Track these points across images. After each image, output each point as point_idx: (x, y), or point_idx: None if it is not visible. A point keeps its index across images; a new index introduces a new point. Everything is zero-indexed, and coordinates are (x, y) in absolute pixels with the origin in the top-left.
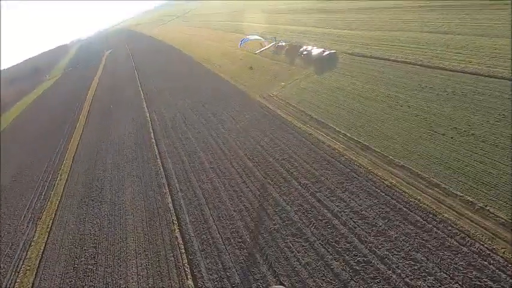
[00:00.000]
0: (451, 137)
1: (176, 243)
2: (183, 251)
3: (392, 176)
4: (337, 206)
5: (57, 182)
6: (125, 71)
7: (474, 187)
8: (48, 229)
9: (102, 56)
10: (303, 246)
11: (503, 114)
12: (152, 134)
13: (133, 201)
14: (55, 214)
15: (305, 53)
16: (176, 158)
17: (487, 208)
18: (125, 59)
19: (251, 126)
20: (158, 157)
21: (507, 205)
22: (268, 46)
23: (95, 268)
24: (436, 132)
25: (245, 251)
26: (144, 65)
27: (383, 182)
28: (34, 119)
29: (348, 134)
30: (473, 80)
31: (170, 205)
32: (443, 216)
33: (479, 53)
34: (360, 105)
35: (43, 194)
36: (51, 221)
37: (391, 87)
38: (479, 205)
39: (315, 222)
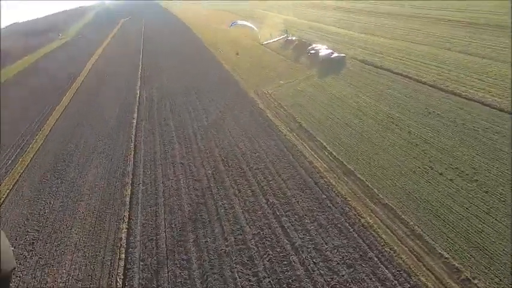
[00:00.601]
0: (450, 179)
1: (119, 245)
2: (123, 257)
3: (371, 214)
4: (300, 238)
5: (29, 147)
6: (132, 42)
7: (464, 249)
8: (0, 201)
9: (117, 24)
10: (249, 281)
11: None
12: (136, 114)
13: (92, 186)
14: (14, 184)
15: (312, 51)
16: (150, 145)
17: (475, 282)
18: (137, 30)
19: (235, 124)
20: (133, 141)
21: (501, 283)
22: (278, 38)
23: (29, 256)
24: (433, 169)
25: (185, 272)
26: (153, 40)
27: (359, 219)
28: (32, 77)
29: (334, 153)
30: (490, 114)
31: (127, 199)
32: (418, 279)
33: (503, 83)
34: (356, 121)
35: (12, 158)
36: (7, 191)
37: (395, 106)
38: (466, 275)
39: (270, 253)
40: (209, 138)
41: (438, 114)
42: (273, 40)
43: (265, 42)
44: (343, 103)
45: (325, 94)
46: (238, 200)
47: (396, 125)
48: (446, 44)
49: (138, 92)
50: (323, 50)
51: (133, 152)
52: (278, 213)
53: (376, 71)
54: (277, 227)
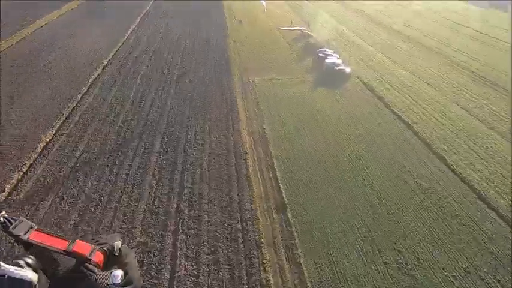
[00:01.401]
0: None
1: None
2: None
3: None
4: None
5: None
6: None
7: None
8: None
9: None
10: None
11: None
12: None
13: None
14: None
15: (320, 55)
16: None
17: None
18: None
19: (194, 109)
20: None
21: None
22: (295, 28)
23: None
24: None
25: None
26: None
27: None
28: None
29: (279, 176)
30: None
31: None
32: None
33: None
34: (318, 157)
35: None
36: None
37: (375, 162)
38: None
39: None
40: (153, 116)
41: (437, 204)
42: (291, 28)
43: (282, 28)
44: (320, 126)
45: (307, 108)
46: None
47: (359, 174)
48: (459, 97)
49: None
50: (330, 58)
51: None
52: None
53: (374, 102)
54: None
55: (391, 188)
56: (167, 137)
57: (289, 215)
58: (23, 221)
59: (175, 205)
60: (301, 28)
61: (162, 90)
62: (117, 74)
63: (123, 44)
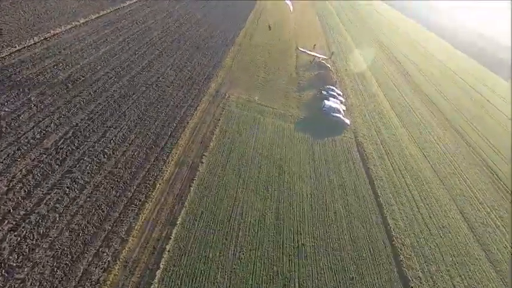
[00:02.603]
0: None
1: None
2: None
3: None
4: None
5: None
6: None
7: None
8: None
9: None
10: None
11: None
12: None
13: None
14: None
15: (324, 92)
16: None
17: None
18: None
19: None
20: None
21: None
22: (315, 54)
23: None
24: None
25: None
26: None
27: None
28: None
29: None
30: None
31: None
32: None
33: None
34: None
35: None
36: None
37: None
38: None
39: None
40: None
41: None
42: (311, 53)
43: (302, 49)
44: (278, 167)
45: (271, 158)
46: None
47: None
48: (464, 203)
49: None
50: (333, 100)
51: None
52: None
53: (358, 174)
54: None
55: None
56: None
57: None
58: None
59: None
60: (320, 56)
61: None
62: None
63: None
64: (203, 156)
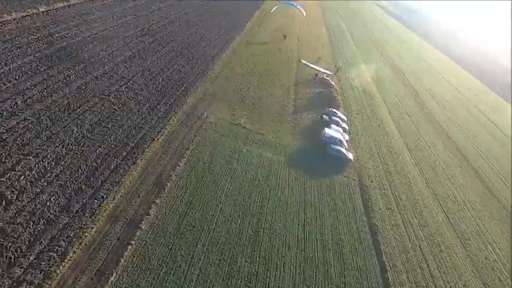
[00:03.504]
0: None
1: None
2: None
3: None
4: None
5: None
6: None
7: None
8: None
9: None
10: None
11: None
12: None
13: None
14: None
15: (325, 117)
16: None
17: None
18: None
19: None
20: None
21: None
22: (319, 69)
23: None
24: None
25: None
26: None
27: None
28: None
29: None
30: None
31: None
32: None
33: None
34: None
35: None
36: None
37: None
38: None
39: None
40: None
41: None
42: (313, 66)
43: (304, 62)
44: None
45: (249, 220)
46: None
47: None
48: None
49: None
50: (334, 130)
51: None
52: None
53: (359, 227)
54: None
55: None
56: None
57: None
58: None
59: None
60: (324, 72)
61: None
62: None
63: None
64: (152, 206)
